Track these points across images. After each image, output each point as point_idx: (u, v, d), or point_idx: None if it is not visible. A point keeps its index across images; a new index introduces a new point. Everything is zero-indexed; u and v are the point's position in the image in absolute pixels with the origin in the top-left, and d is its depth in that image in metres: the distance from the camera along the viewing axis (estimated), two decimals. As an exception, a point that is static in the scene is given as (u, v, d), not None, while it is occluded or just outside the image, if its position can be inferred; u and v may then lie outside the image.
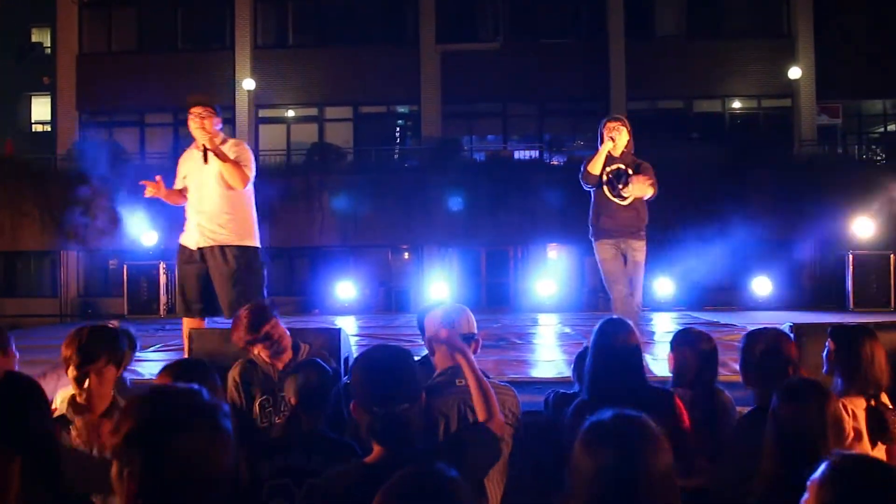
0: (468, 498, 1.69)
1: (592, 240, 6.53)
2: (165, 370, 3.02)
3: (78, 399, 2.95)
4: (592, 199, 6.51)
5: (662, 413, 2.69)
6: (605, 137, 6.36)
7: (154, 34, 23.06)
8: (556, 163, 20.65)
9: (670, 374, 3.53)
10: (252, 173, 5.45)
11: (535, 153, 21.64)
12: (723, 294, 18.26)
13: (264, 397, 3.43)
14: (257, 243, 5.52)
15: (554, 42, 21.79)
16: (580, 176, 6.45)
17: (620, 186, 6.30)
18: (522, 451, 3.09)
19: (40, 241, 20.46)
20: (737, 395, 3.59)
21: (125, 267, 18.39)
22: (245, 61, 22.30)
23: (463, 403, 2.85)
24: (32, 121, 26.08)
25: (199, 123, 5.29)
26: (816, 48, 21.22)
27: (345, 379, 3.93)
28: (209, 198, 5.36)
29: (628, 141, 6.42)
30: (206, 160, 5.31)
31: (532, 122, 22.60)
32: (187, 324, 5.39)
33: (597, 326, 3.18)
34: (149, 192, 5.39)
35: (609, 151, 6.36)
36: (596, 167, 6.32)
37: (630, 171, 6.31)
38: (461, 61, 21.73)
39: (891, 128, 22.93)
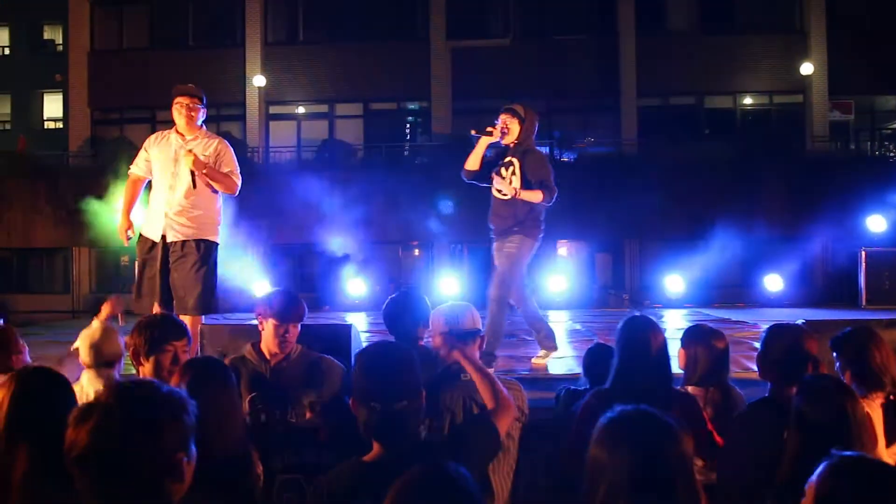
0: (478, 495, 1.69)
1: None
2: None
3: None
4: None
5: (685, 412, 2.68)
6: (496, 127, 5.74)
7: (165, 31, 23.14)
8: (566, 159, 20.60)
9: (681, 371, 3.52)
10: (240, 180, 5.37)
11: (545, 150, 21.59)
12: (734, 291, 18.19)
13: (253, 394, 3.34)
14: (219, 240, 5.42)
15: (564, 38, 21.73)
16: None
17: (497, 180, 5.76)
18: (533, 448, 3.09)
19: (53, 237, 20.58)
20: (747, 392, 3.58)
21: (137, 263, 18.42)
22: (256, 58, 22.34)
23: (468, 398, 2.85)
24: (45, 118, 26.18)
25: (185, 114, 5.25)
26: (829, 44, 21.08)
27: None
28: (180, 193, 5.20)
29: (520, 131, 5.71)
30: (194, 185, 5.19)
31: (542, 118, 22.46)
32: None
33: (621, 324, 3.16)
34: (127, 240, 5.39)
35: (503, 142, 5.78)
36: (471, 162, 5.82)
37: (517, 166, 5.69)
38: (471, 57, 21.70)
39: (904, 123, 22.77)
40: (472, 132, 5.80)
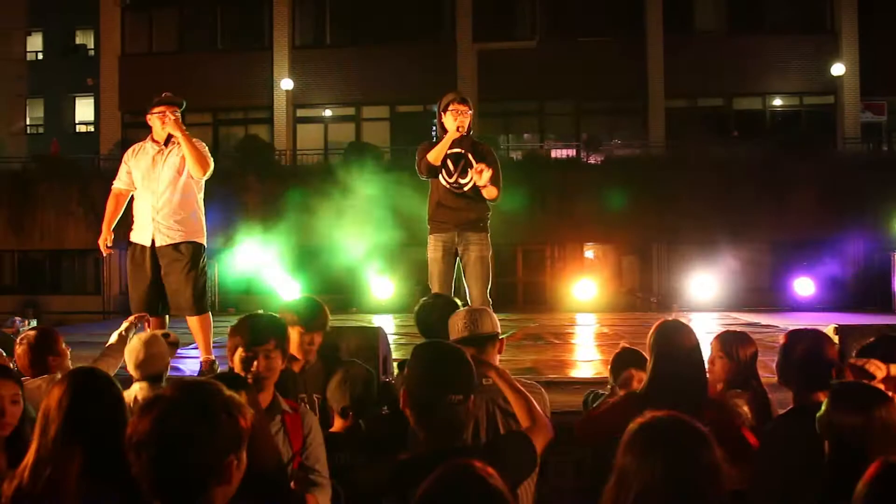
0: (507, 495, 1.69)
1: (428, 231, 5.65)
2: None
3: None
4: (430, 186, 5.61)
5: (717, 417, 2.66)
6: (452, 120, 5.32)
7: (194, 35, 23.38)
8: (593, 161, 20.50)
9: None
10: (212, 162, 5.47)
11: (571, 152, 21.51)
12: (764, 295, 17.98)
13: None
14: (205, 241, 5.55)
15: (591, 40, 21.64)
16: (417, 165, 5.47)
17: (458, 173, 5.38)
18: (560, 451, 3.07)
19: (84, 239, 20.85)
20: (774, 398, 3.54)
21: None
22: (283, 61, 22.50)
23: (491, 402, 2.83)
24: (77, 121, 26.59)
25: (163, 121, 5.40)
26: (861, 44, 20.79)
27: (384, 378, 3.96)
28: (165, 196, 5.35)
29: (470, 122, 5.43)
30: (166, 144, 5.37)
31: (569, 120, 22.47)
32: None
33: (654, 329, 3.14)
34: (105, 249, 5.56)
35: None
36: (437, 156, 5.32)
37: (471, 157, 5.35)
38: (498, 59, 21.68)
39: (938, 125, 22.38)
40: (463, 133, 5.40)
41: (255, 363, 2.62)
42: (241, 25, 23.33)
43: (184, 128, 5.36)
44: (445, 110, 5.36)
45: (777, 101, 22.11)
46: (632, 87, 21.45)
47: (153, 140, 5.49)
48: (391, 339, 5.54)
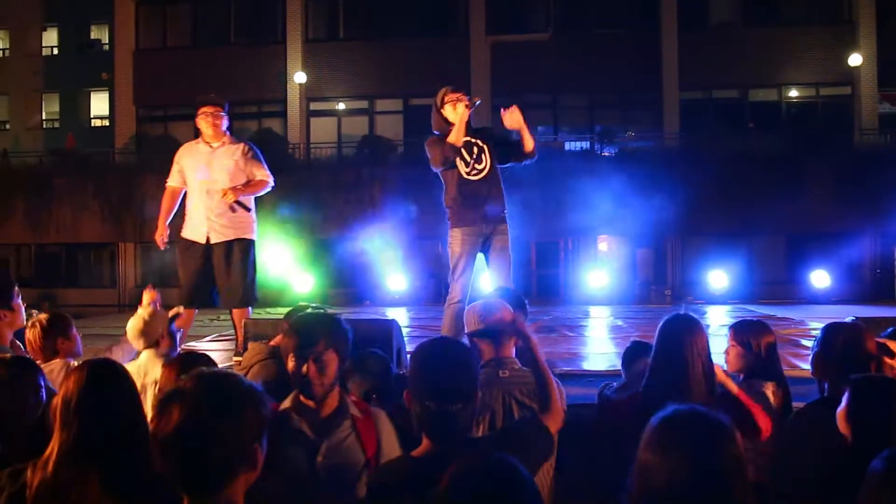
0: (532, 486, 1.68)
1: (448, 225, 5.47)
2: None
3: (301, 398, 2.48)
4: (445, 180, 5.46)
5: (733, 409, 2.64)
6: (453, 109, 5.35)
7: (208, 29, 23.45)
8: (607, 154, 20.43)
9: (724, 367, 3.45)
10: (271, 178, 5.69)
11: (585, 144, 21.44)
12: (780, 287, 17.88)
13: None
14: (256, 237, 5.81)
15: (605, 32, 21.53)
16: (432, 157, 5.36)
17: (474, 160, 5.33)
18: (575, 445, 3.06)
19: (100, 233, 21.01)
20: (794, 390, 3.51)
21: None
22: (297, 55, 22.53)
23: (507, 395, 2.82)
24: (92, 116, 26.71)
25: (210, 122, 5.56)
26: (878, 34, 20.56)
27: (396, 369, 3.96)
28: (218, 196, 5.53)
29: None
30: (234, 211, 5.57)
31: (583, 113, 22.37)
32: (187, 314, 5.53)
33: (661, 324, 3.10)
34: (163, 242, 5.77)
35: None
36: (460, 137, 5.24)
37: (480, 142, 5.37)
38: (511, 52, 21.62)
39: (957, 116, 22.15)
40: (476, 101, 5.42)
41: (305, 368, 2.41)
42: (254, 19, 23.36)
43: (239, 190, 5.52)
44: (443, 105, 5.41)
45: (793, 93, 21.92)
46: (646, 80, 21.34)
47: (204, 141, 5.68)
48: (405, 331, 5.55)
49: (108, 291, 21.50)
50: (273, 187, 5.73)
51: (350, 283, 19.81)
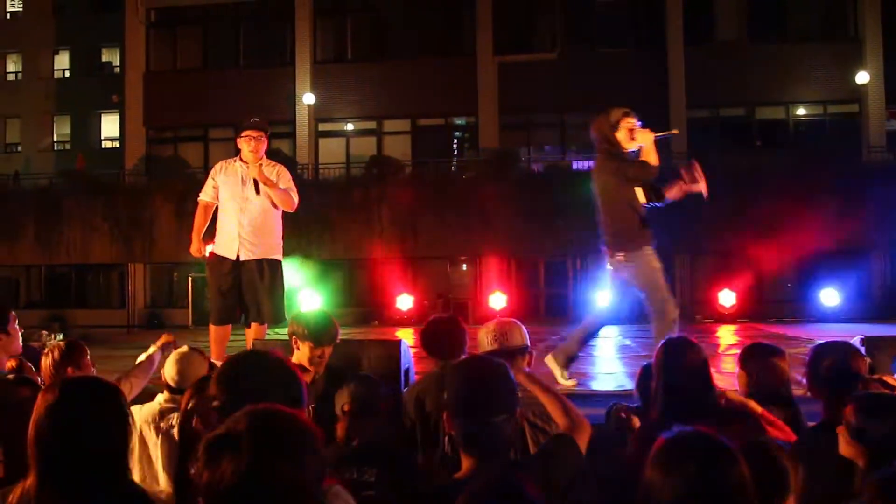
0: None
1: (633, 247, 5.62)
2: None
3: None
4: (621, 203, 5.60)
5: (739, 427, 2.63)
6: (633, 132, 5.51)
7: (217, 52, 23.65)
8: (614, 172, 20.42)
9: (735, 389, 3.44)
10: (297, 198, 5.86)
11: (593, 163, 21.42)
12: (788, 306, 17.81)
13: None
14: (282, 257, 5.97)
15: (611, 51, 21.64)
16: (646, 173, 5.53)
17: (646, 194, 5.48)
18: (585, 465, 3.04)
19: (109, 254, 21.10)
20: (803, 409, 3.49)
21: (190, 279, 18.81)
22: (305, 76, 22.68)
23: (520, 416, 2.82)
24: (102, 137, 26.94)
25: (253, 146, 5.70)
26: (885, 51, 20.57)
27: (404, 390, 3.95)
28: (252, 213, 5.71)
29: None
30: (257, 191, 5.70)
31: (590, 132, 22.39)
32: (214, 331, 5.77)
33: (661, 345, 3.09)
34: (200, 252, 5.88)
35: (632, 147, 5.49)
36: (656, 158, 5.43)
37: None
38: (518, 72, 21.71)
39: (965, 132, 22.09)
40: (674, 132, 5.78)
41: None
42: (263, 42, 23.56)
43: (270, 179, 5.67)
44: (618, 127, 5.54)
45: (801, 111, 21.93)
46: (653, 98, 21.34)
47: (241, 160, 5.81)
48: (413, 352, 5.54)
49: (117, 312, 21.56)
50: (294, 210, 5.86)
51: (358, 302, 19.81)
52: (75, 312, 21.13)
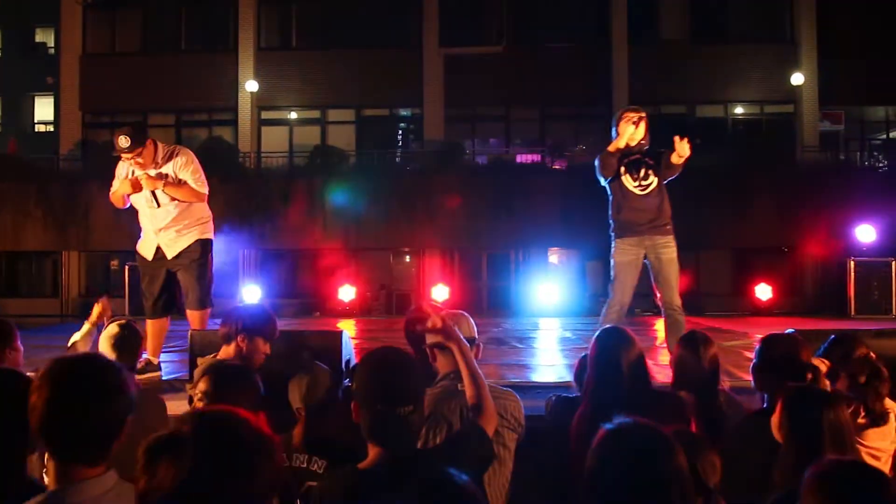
0: (483, 501, 1.70)
1: (613, 236, 5.87)
2: (206, 375, 2.77)
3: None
4: (611, 192, 5.87)
5: (667, 416, 2.69)
6: (624, 126, 5.70)
7: (158, 35, 23.10)
8: (557, 167, 20.64)
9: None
10: (206, 186, 5.67)
11: (537, 157, 21.63)
12: (724, 300, 18.24)
13: None
14: (211, 235, 5.78)
15: (557, 45, 21.80)
16: (601, 168, 5.81)
17: (641, 177, 5.69)
18: (524, 457, 3.08)
19: (42, 241, 20.47)
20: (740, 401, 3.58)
21: (126, 267, 18.37)
22: (248, 63, 22.33)
23: (465, 408, 2.84)
24: (35, 121, 26.09)
25: (139, 164, 5.43)
26: (819, 54, 21.21)
27: (346, 382, 3.93)
28: (162, 214, 5.58)
29: (647, 133, 5.81)
30: (158, 204, 5.53)
31: (534, 125, 22.59)
32: (150, 325, 5.66)
33: (595, 338, 3.17)
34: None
35: (632, 143, 5.69)
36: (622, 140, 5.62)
37: (649, 160, 5.74)
38: (464, 64, 21.74)
39: (893, 134, 22.91)
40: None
41: None
42: (205, 26, 23.11)
43: (158, 182, 5.46)
44: (619, 122, 5.71)
45: (738, 110, 22.46)
46: (596, 94, 21.64)
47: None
48: (354, 343, 5.53)
49: (50, 301, 20.95)
50: (205, 200, 5.74)
51: (300, 293, 19.65)
52: (6, 301, 20.46)
